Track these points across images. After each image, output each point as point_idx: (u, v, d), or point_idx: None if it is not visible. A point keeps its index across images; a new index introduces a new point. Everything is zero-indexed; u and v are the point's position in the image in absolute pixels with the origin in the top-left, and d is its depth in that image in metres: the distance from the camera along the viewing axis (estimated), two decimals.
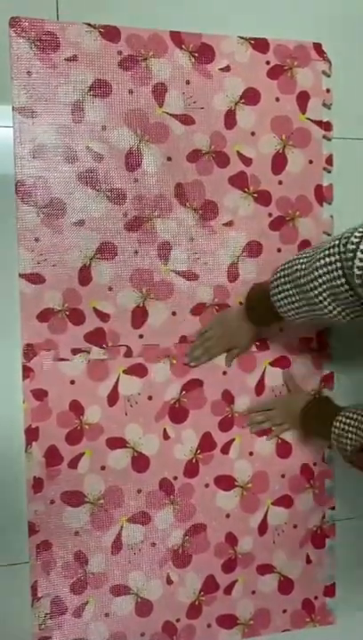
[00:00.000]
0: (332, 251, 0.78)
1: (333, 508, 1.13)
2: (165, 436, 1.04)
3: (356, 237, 0.73)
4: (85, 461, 1.01)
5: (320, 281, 0.80)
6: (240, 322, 1.02)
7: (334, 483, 1.13)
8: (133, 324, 1.03)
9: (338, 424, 0.93)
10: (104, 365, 1.01)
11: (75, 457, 1.00)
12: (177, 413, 1.05)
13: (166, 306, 1.04)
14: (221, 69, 1.05)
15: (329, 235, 1.11)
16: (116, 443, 1.02)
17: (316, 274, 0.80)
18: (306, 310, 0.87)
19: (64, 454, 1.00)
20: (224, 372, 1.07)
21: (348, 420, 0.92)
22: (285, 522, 1.11)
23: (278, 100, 1.08)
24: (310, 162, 1.10)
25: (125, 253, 1.02)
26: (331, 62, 1.10)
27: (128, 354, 1.02)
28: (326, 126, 1.10)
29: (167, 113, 1.02)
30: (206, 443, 1.06)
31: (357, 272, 0.72)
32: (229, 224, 1.06)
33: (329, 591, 1.14)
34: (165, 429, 1.04)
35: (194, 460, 1.06)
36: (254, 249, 1.08)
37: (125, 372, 1.02)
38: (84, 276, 1.00)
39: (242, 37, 1.05)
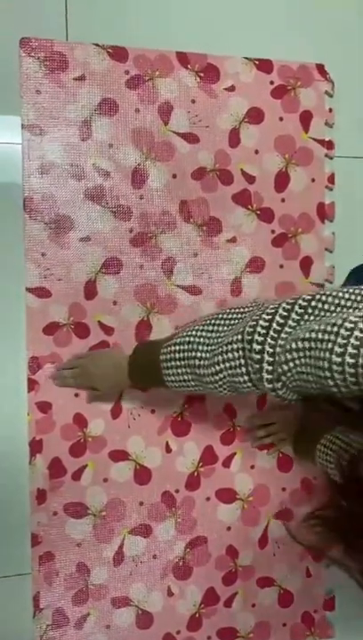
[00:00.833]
0: (235, 346, 0.70)
1: None
2: (168, 449, 1.06)
3: (258, 339, 0.66)
4: (88, 473, 1.02)
5: (221, 375, 0.72)
6: (116, 370, 0.93)
7: None
8: (136, 338, 1.04)
9: (321, 447, 0.93)
10: None
11: (78, 469, 1.01)
12: (179, 426, 1.06)
13: (170, 320, 1.06)
14: (225, 89, 1.07)
15: (331, 252, 1.13)
16: (119, 455, 1.03)
17: (217, 368, 0.72)
18: (199, 390, 0.80)
19: (67, 466, 1.01)
20: None
21: (329, 444, 0.92)
22: (285, 535, 1.11)
23: (281, 119, 1.10)
24: (313, 180, 1.12)
25: (130, 268, 1.03)
26: (333, 83, 1.12)
27: None
28: (329, 145, 1.12)
29: (173, 131, 1.04)
30: (208, 456, 1.07)
31: (267, 385, 0.67)
32: (232, 240, 1.08)
33: (329, 605, 1.15)
34: (167, 442, 1.06)
35: (196, 473, 1.07)
36: (256, 265, 1.09)
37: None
38: (90, 290, 1.02)
39: (247, 58, 1.08)
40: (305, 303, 0.66)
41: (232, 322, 0.75)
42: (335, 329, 0.58)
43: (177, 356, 0.79)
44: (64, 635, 1.01)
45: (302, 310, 0.65)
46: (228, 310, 0.77)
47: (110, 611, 1.04)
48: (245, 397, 1.09)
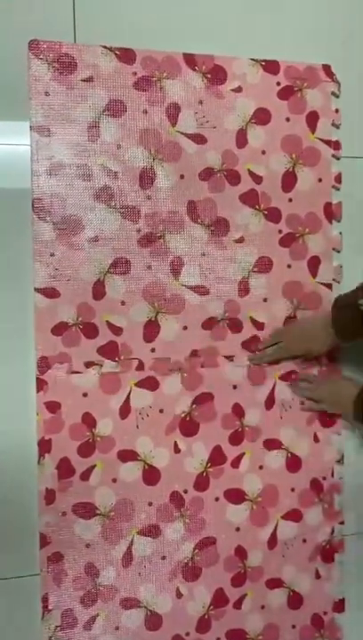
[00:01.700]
0: None
1: (342, 523, 1.14)
2: (176, 449, 1.05)
3: None
4: (97, 474, 1.02)
5: None
6: (321, 330, 1.02)
7: (343, 497, 1.14)
8: (145, 338, 1.04)
9: None
10: (116, 378, 1.03)
11: (86, 469, 1.01)
12: (188, 426, 1.06)
13: (178, 320, 1.06)
14: (232, 90, 1.07)
15: (338, 252, 1.13)
16: (128, 455, 1.03)
17: None
18: None
19: (76, 466, 1.01)
20: (234, 386, 1.08)
21: None
22: (294, 536, 1.11)
23: (288, 119, 1.10)
24: (320, 180, 1.12)
25: (138, 268, 1.04)
26: (340, 83, 1.13)
27: (140, 367, 1.04)
28: (336, 145, 1.13)
29: (180, 132, 1.05)
30: (217, 456, 1.07)
31: None
32: (240, 240, 1.08)
33: (338, 607, 1.14)
34: (175, 442, 1.05)
35: (204, 474, 1.07)
36: (264, 264, 1.10)
37: (137, 385, 1.04)
38: (98, 290, 1.02)
39: (253, 59, 1.08)
40: None
41: None
42: None
43: None
44: (73, 636, 1.01)
45: None
46: None
47: (119, 612, 1.03)
48: (253, 397, 1.09)
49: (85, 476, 1.01)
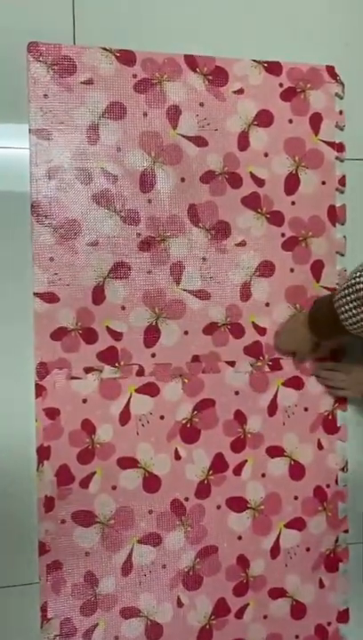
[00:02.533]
0: None
1: (346, 532, 1.12)
2: (177, 456, 1.04)
3: None
4: (96, 481, 1.00)
5: None
6: (303, 329, 1.01)
7: (347, 505, 1.12)
8: (145, 343, 1.03)
9: None
10: (116, 384, 1.02)
11: (86, 476, 1.00)
12: (189, 433, 1.04)
13: (179, 325, 1.04)
14: (234, 92, 1.06)
15: (342, 255, 1.11)
16: (128, 462, 1.02)
17: None
18: None
19: (75, 473, 0.99)
20: (236, 392, 1.06)
21: None
22: (297, 545, 1.09)
23: (291, 121, 1.09)
24: (323, 183, 1.10)
25: (139, 273, 1.02)
26: (344, 84, 1.11)
27: (140, 373, 1.03)
28: (339, 147, 1.11)
29: (181, 135, 1.04)
30: (218, 463, 1.06)
31: None
32: (241, 244, 1.07)
33: (343, 617, 1.12)
34: (176, 449, 1.04)
35: (206, 481, 1.05)
36: (266, 269, 1.08)
37: (137, 390, 1.02)
38: (98, 295, 1.01)
39: (255, 61, 1.07)
40: None
41: None
42: None
43: (350, 297, 0.84)
44: None
45: None
46: None
47: (119, 621, 1.02)
48: (255, 403, 1.07)
49: (85, 483, 1.00)
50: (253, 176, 1.07)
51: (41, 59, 0.98)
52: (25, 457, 0.98)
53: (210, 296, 1.05)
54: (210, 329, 1.05)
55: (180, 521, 1.04)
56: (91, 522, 1.00)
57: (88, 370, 1.00)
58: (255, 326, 1.07)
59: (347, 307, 0.86)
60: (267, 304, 1.08)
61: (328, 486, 1.11)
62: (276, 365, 1.08)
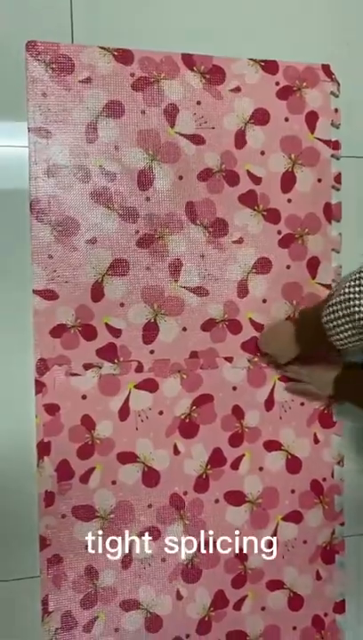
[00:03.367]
0: None
1: (342, 524, 1.13)
2: (176, 451, 1.05)
3: None
4: (96, 476, 1.02)
5: None
6: (288, 338, 1.01)
7: (343, 499, 1.13)
8: (144, 340, 1.04)
9: None
10: (115, 380, 1.03)
11: (86, 471, 1.01)
12: (187, 428, 1.06)
13: (177, 321, 1.05)
14: (231, 90, 1.07)
15: (338, 252, 1.12)
16: (127, 457, 1.03)
17: None
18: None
19: (75, 469, 1.01)
20: (234, 388, 1.08)
21: None
22: (294, 537, 1.11)
23: (287, 120, 1.10)
24: (319, 180, 1.11)
25: (137, 270, 1.03)
26: (339, 83, 1.12)
27: (139, 369, 1.04)
28: (335, 145, 1.12)
29: (179, 133, 1.04)
30: (216, 458, 1.07)
31: None
32: (239, 241, 1.08)
33: (339, 608, 1.14)
34: (175, 444, 1.05)
35: (204, 476, 1.06)
36: (263, 265, 1.09)
37: (136, 386, 1.04)
38: (97, 292, 1.01)
39: (252, 59, 1.08)
40: None
41: None
42: None
43: (338, 314, 0.84)
44: (73, 638, 1.01)
45: None
46: None
47: (119, 614, 1.03)
48: (252, 398, 1.08)
49: (85, 478, 1.01)
50: (249, 174, 1.08)
51: (39, 57, 0.98)
52: (25, 453, 0.99)
53: (208, 293, 1.07)
54: (208, 325, 1.07)
55: (179, 514, 1.05)
56: (91, 516, 1.01)
57: (87, 366, 1.01)
58: (252, 322, 1.09)
59: (336, 322, 0.85)
60: (264, 300, 1.09)
61: (325, 480, 1.12)
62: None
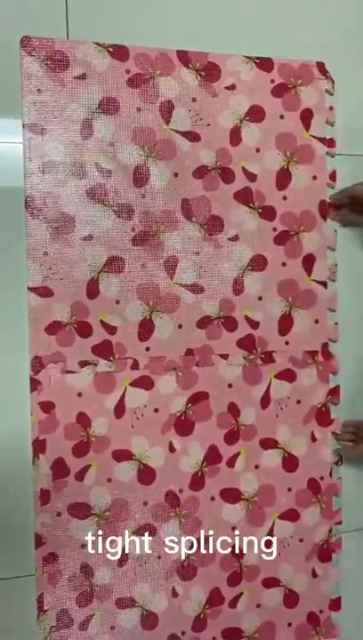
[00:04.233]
0: None
1: (339, 523, 1.14)
2: (171, 449, 1.05)
3: None
4: (92, 473, 1.01)
5: None
6: None
7: (340, 497, 1.13)
8: (139, 337, 1.04)
9: None
10: (111, 378, 1.02)
11: (81, 469, 1.01)
12: (183, 426, 1.06)
13: (172, 319, 1.05)
14: (226, 87, 1.07)
15: (333, 250, 1.12)
16: (123, 455, 1.03)
17: None
18: None
19: (71, 466, 1.00)
20: (230, 385, 1.08)
21: None
22: (291, 535, 1.11)
23: (282, 117, 1.10)
24: (314, 178, 1.11)
25: (133, 267, 1.03)
26: (334, 81, 1.12)
27: (135, 366, 1.03)
28: (330, 143, 1.12)
29: (174, 130, 1.04)
30: (212, 455, 1.07)
31: None
32: (234, 238, 1.08)
33: (334, 605, 1.14)
34: (170, 442, 1.05)
35: (200, 473, 1.06)
36: (258, 263, 1.09)
37: (132, 384, 1.03)
38: (92, 289, 1.01)
39: (247, 57, 1.08)
40: None
41: None
42: None
43: None
44: (68, 636, 1.01)
45: None
46: None
47: (115, 611, 1.03)
48: (248, 396, 1.08)
49: (80, 476, 1.01)
50: (245, 171, 1.08)
51: (34, 53, 0.98)
52: (20, 450, 0.99)
53: (203, 290, 1.06)
54: (204, 322, 1.06)
55: (174, 512, 1.05)
56: (86, 514, 1.01)
57: (83, 364, 1.01)
58: (248, 320, 1.09)
59: None
60: (259, 298, 1.09)
61: (322, 478, 1.12)
62: (268, 358, 1.10)
